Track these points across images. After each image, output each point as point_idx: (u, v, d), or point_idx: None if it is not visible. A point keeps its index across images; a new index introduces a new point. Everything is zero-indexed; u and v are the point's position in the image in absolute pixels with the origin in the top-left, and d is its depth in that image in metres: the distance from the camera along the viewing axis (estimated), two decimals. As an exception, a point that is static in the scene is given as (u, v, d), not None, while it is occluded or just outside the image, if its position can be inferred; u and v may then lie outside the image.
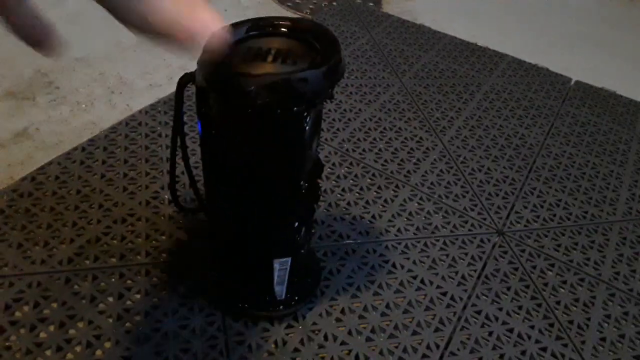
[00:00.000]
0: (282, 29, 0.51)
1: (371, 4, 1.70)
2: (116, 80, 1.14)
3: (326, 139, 1.03)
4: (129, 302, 0.69)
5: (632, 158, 1.15)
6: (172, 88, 0.56)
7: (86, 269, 0.72)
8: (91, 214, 0.79)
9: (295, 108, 0.49)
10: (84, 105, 1.04)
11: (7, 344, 0.63)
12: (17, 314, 0.66)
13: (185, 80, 0.53)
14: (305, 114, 0.50)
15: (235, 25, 0.50)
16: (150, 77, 1.08)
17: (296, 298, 0.71)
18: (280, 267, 0.64)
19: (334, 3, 1.52)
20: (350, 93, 1.18)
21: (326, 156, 0.99)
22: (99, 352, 0.63)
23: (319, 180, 0.62)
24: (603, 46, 1.62)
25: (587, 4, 1.93)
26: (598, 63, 1.51)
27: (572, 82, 1.38)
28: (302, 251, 0.66)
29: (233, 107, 0.50)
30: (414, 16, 1.53)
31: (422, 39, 1.45)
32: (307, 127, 0.52)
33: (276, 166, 0.54)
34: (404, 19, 1.53)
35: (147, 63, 1.17)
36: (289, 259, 0.63)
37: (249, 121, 0.50)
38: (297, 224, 0.61)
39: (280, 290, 0.67)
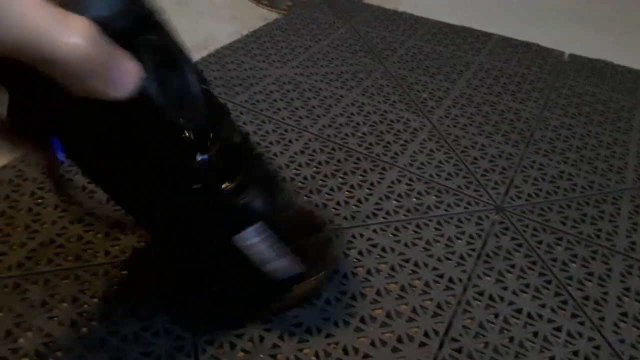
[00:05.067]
0: None
1: (351, -2, 1.65)
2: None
3: (305, 126, 0.96)
4: (84, 306, 0.61)
5: (637, 125, 1.08)
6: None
7: (37, 273, 0.64)
8: (45, 215, 0.72)
9: None
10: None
11: (-58, 360, 0.55)
12: (-43, 326, 0.58)
13: None
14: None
15: None
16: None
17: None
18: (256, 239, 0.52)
19: (312, -1, 1.47)
20: (331, 80, 1.11)
21: (306, 143, 0.92)
22: (47, 363, 0.56)
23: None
24: (590, 21, 1.56)
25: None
26: (588, 37, 1.45)
27: (566, 56, 1.31)
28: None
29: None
30: (395, 6, 1.48)
31: (405, 25, 1.39)
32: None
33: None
34: (385, 7, 1.47)
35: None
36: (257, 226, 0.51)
37: None
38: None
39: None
